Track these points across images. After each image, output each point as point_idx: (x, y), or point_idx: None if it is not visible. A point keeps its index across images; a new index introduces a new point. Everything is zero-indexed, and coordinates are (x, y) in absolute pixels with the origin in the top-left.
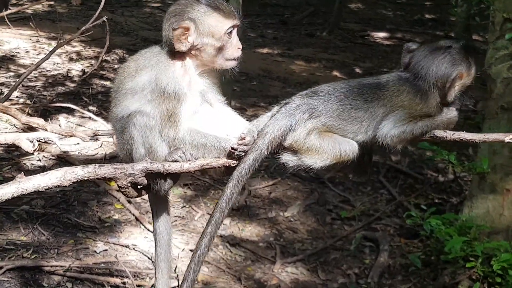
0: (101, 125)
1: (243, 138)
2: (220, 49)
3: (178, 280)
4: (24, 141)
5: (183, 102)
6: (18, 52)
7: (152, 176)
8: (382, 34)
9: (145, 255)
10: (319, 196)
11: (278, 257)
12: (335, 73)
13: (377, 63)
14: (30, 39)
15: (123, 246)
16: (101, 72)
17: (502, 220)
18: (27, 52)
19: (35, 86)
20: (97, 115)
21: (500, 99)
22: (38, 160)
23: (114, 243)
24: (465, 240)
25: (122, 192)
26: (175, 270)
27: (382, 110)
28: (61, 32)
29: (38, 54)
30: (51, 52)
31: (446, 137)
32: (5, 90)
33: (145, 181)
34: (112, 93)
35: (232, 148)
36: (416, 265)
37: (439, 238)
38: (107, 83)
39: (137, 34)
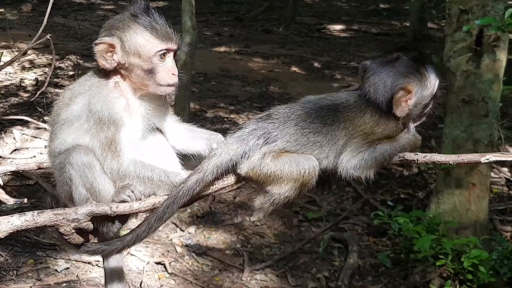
0: None
1: None
2: (150, 72)
3: None
4: None
5: (122, 128)
6: None
7: (99, 219)
8: (338, 27)
9: None
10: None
11: (246, 264)
12: (294, 68)
13: (335, 57)
14: None
15: (85, 263)
16: (55, 80)
17: (469, 215)
18: None
19: None
20: None
21: (460, 92)
22: None
23: (76, 260)
24: (434, 238)
25: (65, 240)
26: (140, 285)
27: (344, 133)
28: (13, 40)
29: None
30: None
31: (417, 160)
32: None
33: (91, 226)
34: (49, 126)
35: None
36: (386, 265)
37: (408, 236)
38: (62, 91)
39: (91, 39)
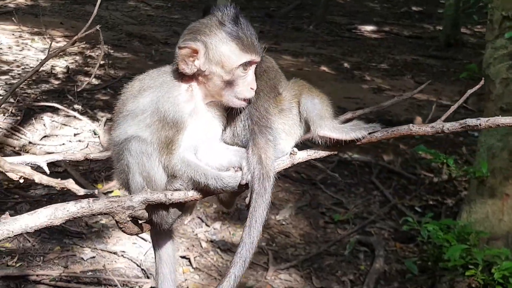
0: (86, 124)
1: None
2: (229, 84)
3: None
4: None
5: (183, 131)
6: (1, 48)
7: (154, 208)
8: (369, 27)
9: (133, 262)
10: (311, 198)
11: (271, 263)
12: (323, 68)
13: (365, 58)
14: (13, 34)
15: (111, 252)
16: (85, 68)
17: (501, 225)
18: (10, 48)
19: None
20: (82, 114)
21: (499, 100)
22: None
23: (101, 250)
24: (465, 247)
25: (120, 229)
26: None
27: None
28: (45, 27)
29: (21, 50)
30: (42, 63)
31: (480, 124)
32: None
33: (146, 214)
34: (114, 115)
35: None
36: (413, 272)
37: (436, 243)
38: (92, 80)
39: (121, 29)
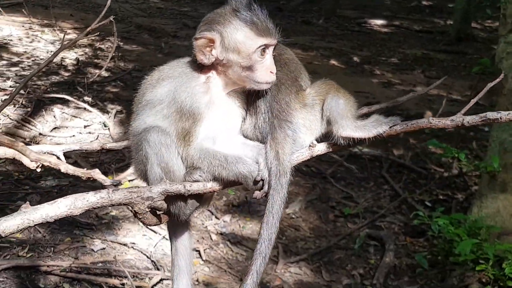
0: (96, 116)
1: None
2: (248, 69)
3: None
4: (25, 157)
5: (200, 122)
6: (11, 40)
7: (172, 199)
8: (379, 21)
9: (143, 254)
10: (321, 192)
11: (281, 256)
12: (333, 61)
13: (375, 52)
14: (23, 26)
15: (121, 244)
16: (95, 61)
17: None
18: (20, 39)
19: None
20: (92, 105)
21: (511, 95)
22: None
23: (112, 241)
24: (476, 242)
25: (139, 219)
26: None
27: None
28: (55, 19)
29: (31, 42)
30: (56, 54)
31: (500, 118)
32: None
33: (165, 205)
34: (133, 105)
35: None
36: (423, 266)
37: (447, 238)
38: (102, 72)
39: (131, 21)
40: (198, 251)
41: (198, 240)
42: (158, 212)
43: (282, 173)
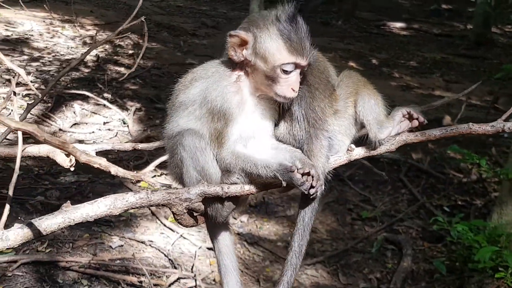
0: (115, 113)
1: (307, 173)
2: (271, 79)
3: (195, 280)
4: (60, 155)
5: (231, 123)
6: (32, 35)
7: (209, 201)
8: (398, 24)
9: (161, 252)
10: (339, 195)
11: None
12: (351, 63)
13: (393, 55)
14: (44, 21)
15: (139, 241)
16: (115, 57)
17: None
18: (41, 34)
19: (49, 70)
20: (111, 102)
21: None
22: None
23: (129, 238)
24: (496, 249)
25: (177, 220)
26: (192, 269)
27: None
28: (75, 15)
29: (52, 37)
30: (86, 54)
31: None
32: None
33: (202, 207)
34: (167, 108)
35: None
36: (441, 272)
37: (466, 244)
38: (121, 69)
39: (150, 19)
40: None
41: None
42: (195, 214)
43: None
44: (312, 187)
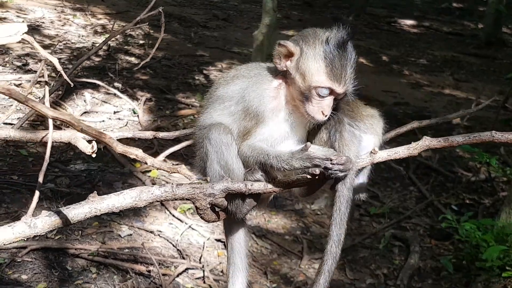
0: (125, 102)
1: (340, 163)
2: (304, 97)
3: (203, 271)
4: (81, 141)
5: (262, 125)
6: (43, 22)
7: (231, 197)
8: (409, 22)
9: (170, 242)
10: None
11: (305, 252)
12: (361, 60)
13: (404, 52)
14: (55, 9)
15: (147, 231)
16: (126, 47)
17: None
18: (52, 22)
19: (60, 58)
20: (122, 92)
21: None
22: None
23: (138, 228)
24: (504, 248)
25: (199, 215)
26: (200, 260)
27: None
28: (86, 4)
29: (63, 25)
30: (104, 43)
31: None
32: (30, 61)
33: (225, 203)
34: (204, 100)
35: (326, 168)
36: (448, 269)
37: (473, 243)
38: (132, 59)
39: (160, 10)
40: (224, 242)
41: (223, 232)
42: (216, 209)
43: (347, 176)
44: (339, 170)
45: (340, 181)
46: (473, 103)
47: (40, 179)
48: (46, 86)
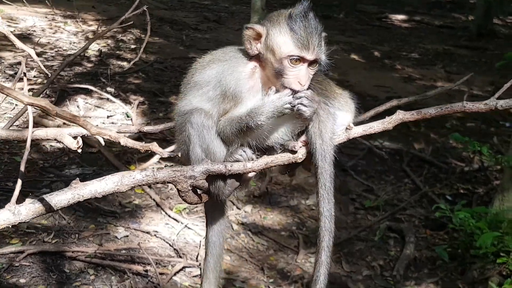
0: (119, 107)
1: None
2: (278, 72)
3: (200, 269)
4: (67, 137)
5: (240, 105)
6: (34, 30)
7: (212, 179)
8: (400, 17)
9: (166, 242)
10: (341, 184)
11: (301, 247)
12: (353, 56)
13: (395, 47)
14: (46, 17)
15: (144, 232)
16: (117, 52)
17: None
18: (43, 30)
19: (52, 65)
20: (115, 96)
21: None
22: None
23: (135, 229)
24: (497, 235)
25: (181, 197)
26: (197, 258)
27: None
28: (77, 11)
29: (54, 33)
30: (90, 42)
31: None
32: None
33: (206, 184)
34: (182, 85)
35: (296, 99)
36: (444, 259)
37: (467, 231)
38: (124, 63)
39: (152, 14)
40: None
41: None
42: (199, 191)
43: (326, 151)
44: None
45: (319, 156)
46: (465, 94)
47: (22, 168)
48: (24, 76)
